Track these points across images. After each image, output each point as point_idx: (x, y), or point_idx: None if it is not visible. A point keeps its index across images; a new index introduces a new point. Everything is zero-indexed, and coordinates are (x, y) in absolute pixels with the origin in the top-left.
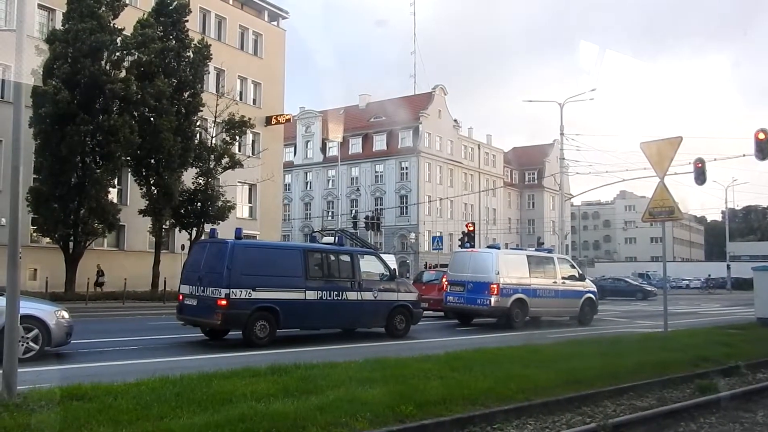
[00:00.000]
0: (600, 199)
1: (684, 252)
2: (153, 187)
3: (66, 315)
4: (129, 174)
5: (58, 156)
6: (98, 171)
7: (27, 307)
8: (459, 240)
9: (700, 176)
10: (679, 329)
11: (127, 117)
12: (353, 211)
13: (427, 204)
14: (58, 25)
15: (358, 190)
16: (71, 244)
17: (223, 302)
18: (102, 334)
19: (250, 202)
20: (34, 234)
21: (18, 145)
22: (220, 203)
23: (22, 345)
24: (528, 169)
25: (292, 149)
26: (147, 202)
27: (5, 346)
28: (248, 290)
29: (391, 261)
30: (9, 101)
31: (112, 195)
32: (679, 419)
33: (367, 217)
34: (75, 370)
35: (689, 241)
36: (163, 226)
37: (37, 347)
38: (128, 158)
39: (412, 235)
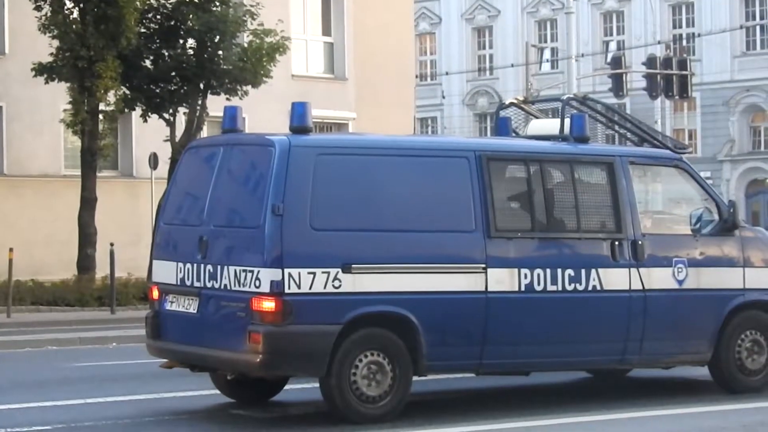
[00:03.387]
0: None
1: None
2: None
3: None
4: None
5: None
6: None
7: None
8: None
9: None
10: None
11: None
12: (609, 47)
13: None
14: None
15: None
16: None
17: (270, 304)
18: None
19: (326, 34)
20: None
21: None
22: (246, 37)
23: None
24: None
25: None
26: (54, 41)
27: None
28: (333, 270)
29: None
30: None
31: None
32: None
33: (649, 62)
34: None
35: None
36: (101, 106)
37: None
38: None
39: None
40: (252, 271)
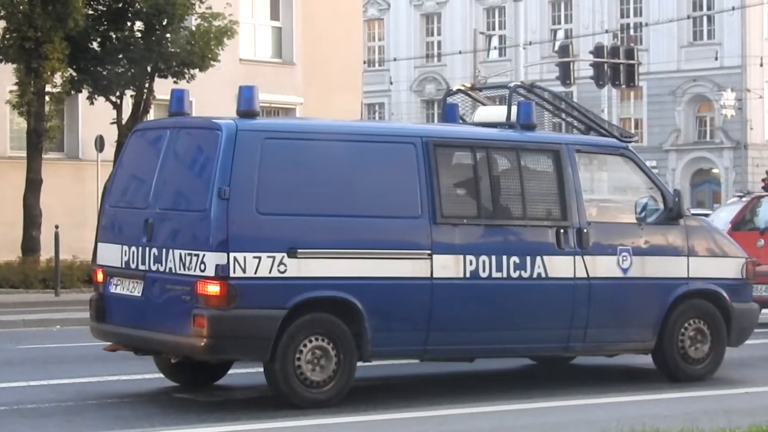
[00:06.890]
0: None
1: None
2: None
3: None
4: None
5: None
6: None
7: None
8: None
9: None
10: None
11: None
12: (557, 35)
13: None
14: None
15: None
16: None
17: (214, 288)
18: None
19: (275, 18)
20: None
21: None
22: (194, 20)
23: None
24: None
25: None
26: (1, 22)
27: None
28: (278, 255)
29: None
30: None
31: None
32: None
33: (597, 51)
34: None
35: None
36: (48, 87)
37: None
38: None
39: (728, 96)
40: (197, 255)
